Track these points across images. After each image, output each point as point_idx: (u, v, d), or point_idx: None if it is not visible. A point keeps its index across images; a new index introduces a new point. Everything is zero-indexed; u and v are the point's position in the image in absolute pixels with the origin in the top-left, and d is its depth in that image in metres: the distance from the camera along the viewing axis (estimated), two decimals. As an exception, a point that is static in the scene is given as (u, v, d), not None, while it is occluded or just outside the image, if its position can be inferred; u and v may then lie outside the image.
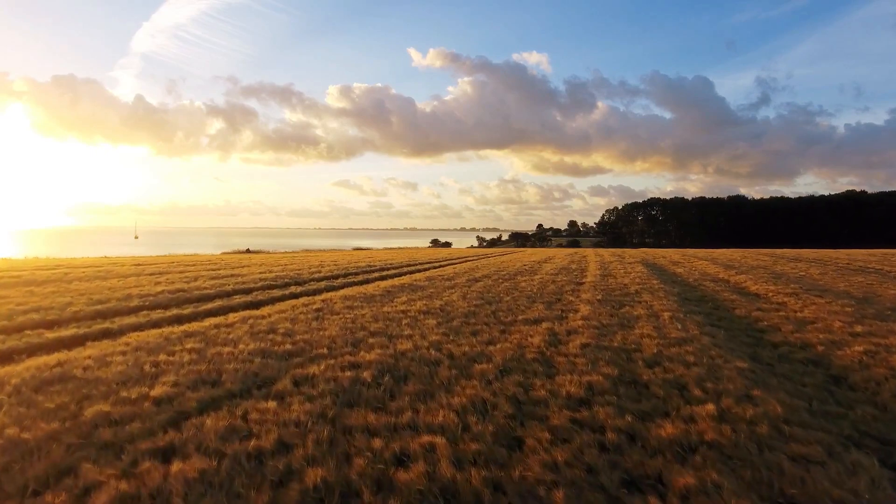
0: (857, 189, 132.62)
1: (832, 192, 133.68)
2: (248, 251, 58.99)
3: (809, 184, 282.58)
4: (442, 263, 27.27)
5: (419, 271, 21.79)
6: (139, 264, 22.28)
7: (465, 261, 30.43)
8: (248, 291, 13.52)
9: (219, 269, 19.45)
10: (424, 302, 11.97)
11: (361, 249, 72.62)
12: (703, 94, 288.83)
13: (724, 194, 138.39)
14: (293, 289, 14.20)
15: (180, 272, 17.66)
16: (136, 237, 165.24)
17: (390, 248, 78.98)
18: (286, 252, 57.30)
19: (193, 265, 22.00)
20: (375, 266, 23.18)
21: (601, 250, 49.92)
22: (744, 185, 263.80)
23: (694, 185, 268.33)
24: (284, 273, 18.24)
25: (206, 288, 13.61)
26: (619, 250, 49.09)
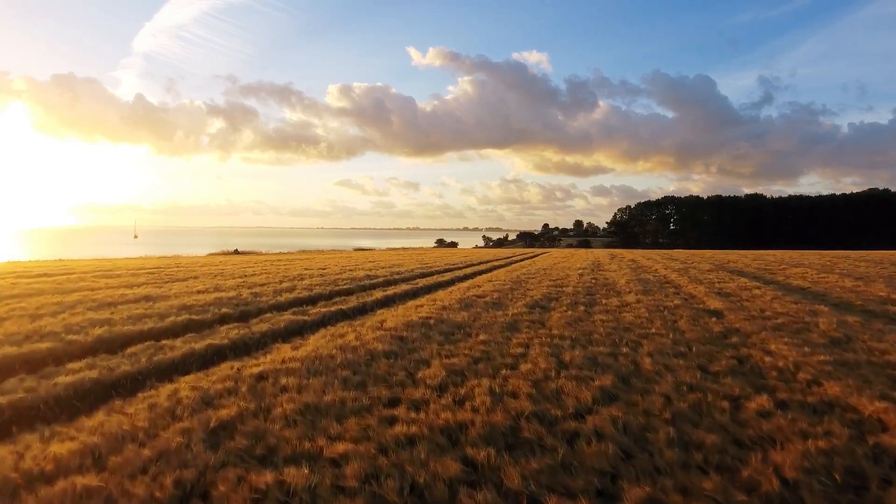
0: (881, 188, 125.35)
1: (855, 191, 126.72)
2: (236, 252, 52.38)
3: (813, 184, 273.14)
4: (465, 271, 20.49)
5: (441, 286, 15.05)
6: (46, 275, 15.51)
7: (493, 266, 23.64)
8: (124, 344, 6.73)
9: (138, 287, 12.67)
10: (488, 382, 5.19)
11: (363, 250, 65.84)
12: (704, 92, 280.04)
13: (727, 194, 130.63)
14: (221, 335, 7.39)
15: (59, 300, 10.80)
16: (136, 236, 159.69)
17: (394, 249, 72.30)
18: (278, 253, 50.65)
19: (118, 276, 15.26)
20: (378, 277, 16.41)
21: (639, 252, 42.95)
22: (747, 185, 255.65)
23: (696, 185, 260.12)
24: (235, 294, 11.45)
25: (51, 335, 6.84)
26: (660, 252, 42.08)
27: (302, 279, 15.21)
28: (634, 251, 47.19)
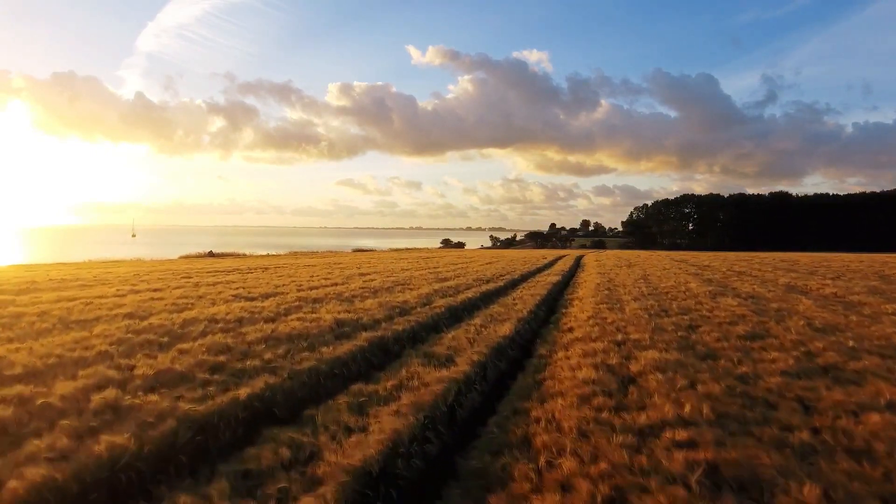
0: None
1: (884, 189, 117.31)
2: (210, 254, 43.61)
3: (817, 184, 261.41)
4: (522, 297, 11.45)
5: (514, 363, 6.15)
6: None
7: (552, 284, 14.62)
8: None
9: None
10: None
11: (362, 251, 56.97)
12: (707, 91, 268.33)
13: (730, 193, 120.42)
14: None
15: None
16: (134, 236, 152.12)
17: (397, 250, 63.46)
18: (259, 256, 41.92)
19: None
20: (361, 325, 7.53)
21: (705, 256, 33.73)
22: (750, 185, 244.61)
23: (699, 185, 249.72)
24: None
25: None
26: (735, 257, 32.84)
27: (186, 335, 6.31)
28: (698, 254, 37.91)
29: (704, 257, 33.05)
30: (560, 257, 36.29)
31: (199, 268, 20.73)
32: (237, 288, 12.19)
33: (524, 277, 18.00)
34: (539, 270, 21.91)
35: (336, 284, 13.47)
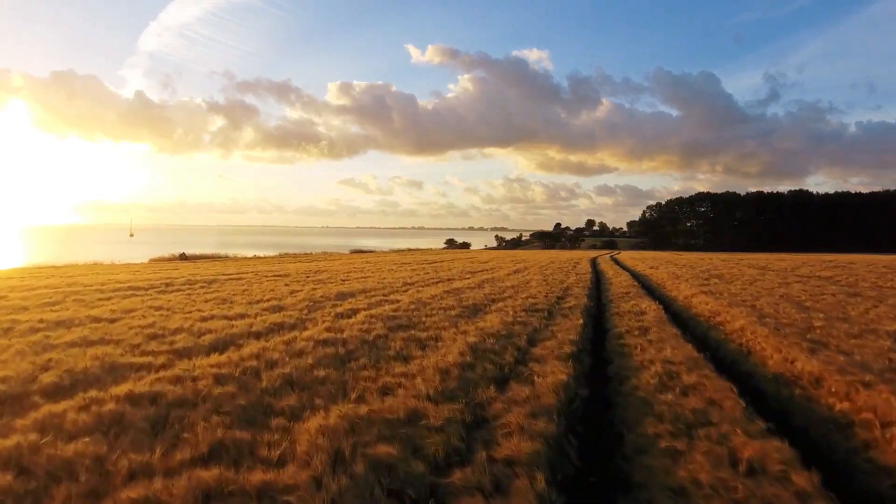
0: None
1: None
2: (182, 256, 37.29)
3: (820, 183, 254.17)
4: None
5: None
6: None
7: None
8: None
9: None
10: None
11: (361, 252, 50.69)
12: (709, 89, 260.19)
13: (747, 192, 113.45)
14: None
15: None
16: (132, 235, 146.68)
17: (399, 251, 57.23)
18: (243, 258, 35.76)
19: None
20: None
21: (769, 258, 27.14)
22: (753, 184, 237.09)
23: (702, 184, 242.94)
24: None
25: None
26: (808, 257, 26.26)
27: None
28: (759, 256, 31.15)
29: (783, 261, 26.49)
30: (593, 260, 29.79)
31: (116, 280, 14.28)
32: (71, 344, 5.77)
33: (591, 298, 11.60)
34: (594, 286, 15.51)
35: (279, 329, 7.07)
